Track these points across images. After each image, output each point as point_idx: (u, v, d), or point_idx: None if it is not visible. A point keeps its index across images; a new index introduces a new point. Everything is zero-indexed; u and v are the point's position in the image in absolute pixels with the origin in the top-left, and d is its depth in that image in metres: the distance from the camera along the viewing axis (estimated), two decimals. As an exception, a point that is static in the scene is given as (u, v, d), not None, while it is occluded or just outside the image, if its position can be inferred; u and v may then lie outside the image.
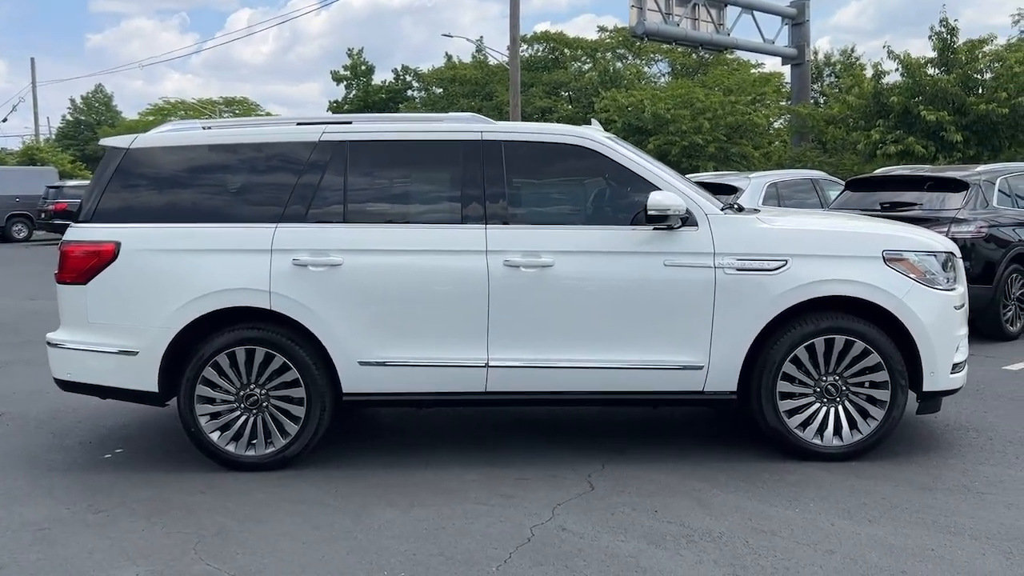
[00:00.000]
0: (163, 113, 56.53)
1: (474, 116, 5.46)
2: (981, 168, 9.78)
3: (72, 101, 73.03)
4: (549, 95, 41.69)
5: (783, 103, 31.39)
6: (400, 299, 5.05)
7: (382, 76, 58.89)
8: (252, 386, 5.11)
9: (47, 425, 6.19)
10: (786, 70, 30.63)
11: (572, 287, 5.03)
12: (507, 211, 5.12)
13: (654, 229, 5.03)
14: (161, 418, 6.20)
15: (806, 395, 5.10)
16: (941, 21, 19.80)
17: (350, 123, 5.36)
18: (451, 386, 5.12)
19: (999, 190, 9.35)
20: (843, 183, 11.84)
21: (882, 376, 5.04)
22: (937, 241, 5.30)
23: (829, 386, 5.09)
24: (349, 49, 54.90)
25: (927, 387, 5.08)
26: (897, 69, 20.33)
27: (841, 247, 5.13)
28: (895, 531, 4.09)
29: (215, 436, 5.10)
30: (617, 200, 5.29)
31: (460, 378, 5.09)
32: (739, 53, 35.24)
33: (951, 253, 5.25)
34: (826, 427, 5.10)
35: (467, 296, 5.04)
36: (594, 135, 5.29)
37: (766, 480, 4.79)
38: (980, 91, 18.99)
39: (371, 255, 5.06)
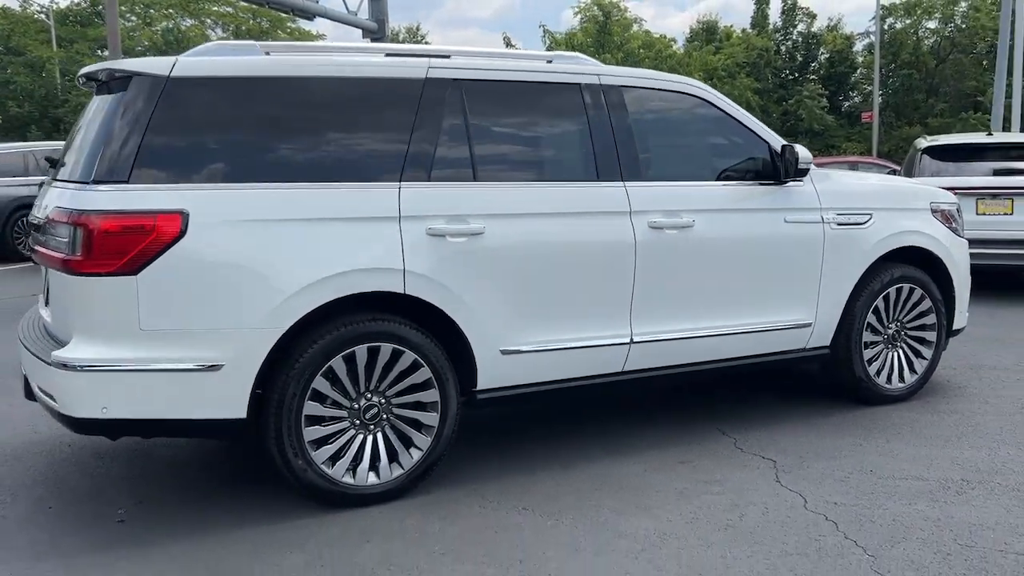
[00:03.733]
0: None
1: (580, 57, 4.70)
2: None
3: None
4: (95, 52, 36.54)
5: None
6: (545, 271, 4.20)
7: None
8: (370, 395, 3.91)
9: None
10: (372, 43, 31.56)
11: (710, 249, 4.62)
12: (639, 166, 4.51)
13: (775, 184, 4.83)
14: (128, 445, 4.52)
15: (878, 343, 5.32)
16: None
17: (449, 57, 4.28)
18: (592, 369, 4.43)
19: None
20: None
21: (931, 319, 5.45)
22: (950, 194, 5.82)
23: (894, 332, 5.37)
24: None
25: (956, 325, 5.61)
26: None
27: (905, 201, 5.41)
28: None
29: (328, 468, 3.82)
30: (733, 153, 4.90)
31: (600, 359, 4.42)
32: (322, 22, 34.91)
33: (959, 205, 5.81)
34: (892, 372, 5.37)
35: (614, 264, 4.36)
36: (703, 84, 4.88)
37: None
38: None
39: (513, 220, 4.12)
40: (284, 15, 33.76)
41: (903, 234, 5.23)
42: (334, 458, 3.84)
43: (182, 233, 3.48)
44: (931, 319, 5.44)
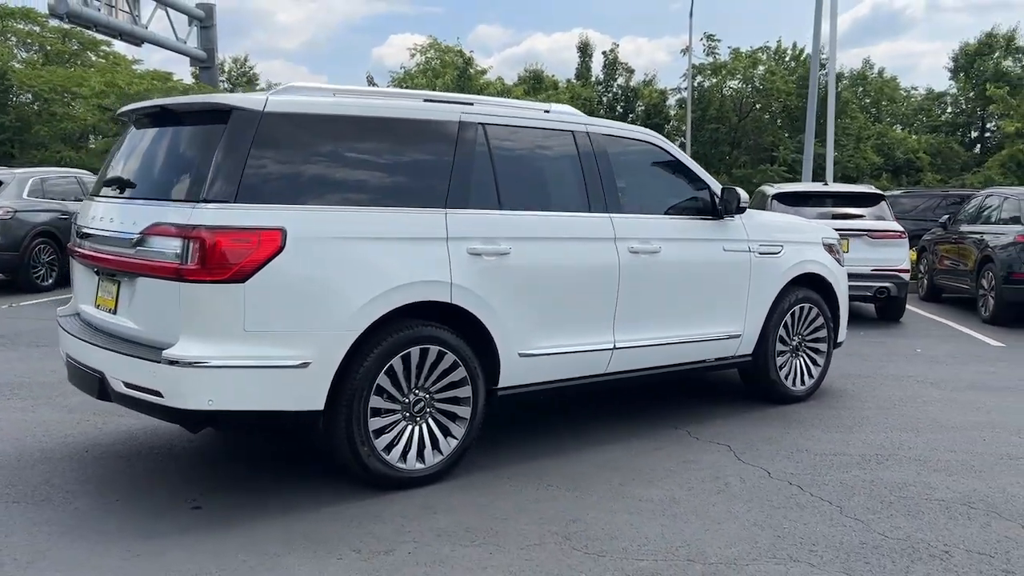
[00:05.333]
0: None
1: (569, 109, 5.53)
2: None
3: None
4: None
5: None
6: (555, 287, 4.98)
7: None
8: (417, 390, 4.52)
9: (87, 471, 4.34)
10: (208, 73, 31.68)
11: (671, 271, 5.55)
12: (619, 200, 5.39)
13: (714, 219, 5.86)
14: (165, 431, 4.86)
15: (786, 352, 6.44)
16: None
17: (472, 104, 4.99)
18: (582, 371, 5.22)
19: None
20: None
21: (823, 333, 6.65)
22: (833, 231, 7.09)
23: (798, 344, 6.52)
24: None
25: (840, 339, 6.85)
26: None
27: (805, 235, 6.60)
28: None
29: (386, 454, 4.39)
30: (682, 192, 5.88)
31: (590, 362, 5.23)
32: (149, 48, 34.02)
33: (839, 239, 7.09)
34: (796, 376, 6.51)
35: (603, 281, 5.20)
36: (659, 135, 5.85)
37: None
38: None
39: (531, 243, 4.88)
40: (99, 38, 32.59)
41: (805, 262, 6.41)
42: (390, 446, 4.41)
43: (281, 247, 3.99)
44: (823, 333, 6.64)
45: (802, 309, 6.45)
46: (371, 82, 40.02)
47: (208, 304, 3.91)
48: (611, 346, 5.26)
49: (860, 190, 12.03)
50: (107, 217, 4.47)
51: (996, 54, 41.74)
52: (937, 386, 7.23)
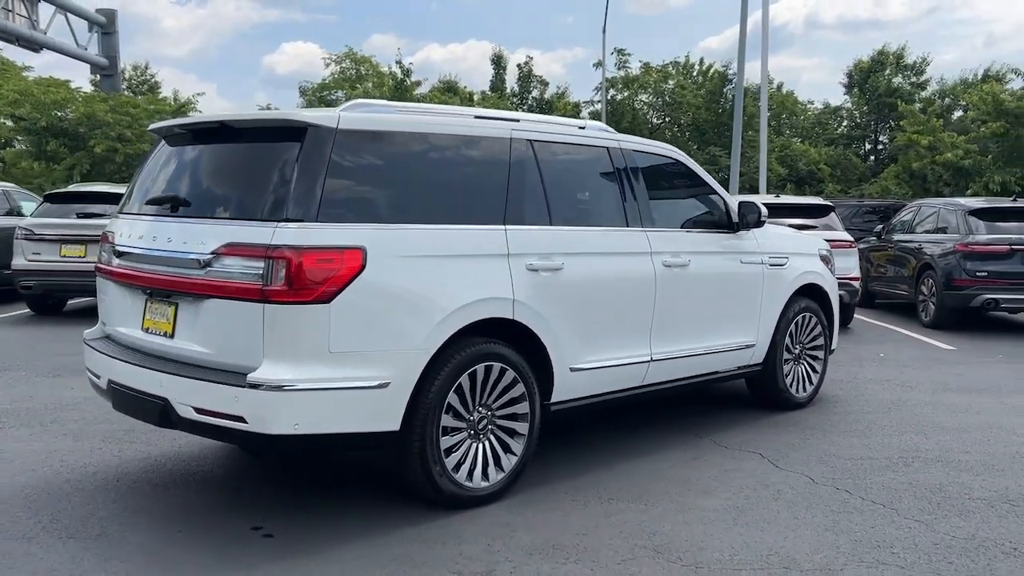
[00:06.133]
0: None
1: (601, 125, 5.59)
2: None
3: None
4: None
5: None
6: (601, 302, 5.03)
7: None
8: (481, 408, 4.49)
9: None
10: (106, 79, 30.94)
11: (699, 283, 5.67)
12: (651, 216, 5.48)
13: (730, 232, 6.01)
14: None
15: (790, 360, 6.65)
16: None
17: (518, 120, 5.00)
18: (623, 384, 5.28)
19: None
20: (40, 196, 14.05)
21: (821, 340, 6.90)
22: (825, 243, 7.35)
23: (800, 352, 6.74)
24: None
25: (832, 346, 7.11)
26: None
27: (806, 247, 6.83)
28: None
29: (455, 473, 4.34)
30: (702, 207, 6.02)
31: (631, 375, 5.29)
32: (48, 55, 32.71)
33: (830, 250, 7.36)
34: (800, 383, 6.73)
35: (643, 295, 5.28)
36: (680, 151, 5.97)
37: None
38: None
39: (581, 258, 4.91)
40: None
41: (806, 273, 6.64)
42: (458, 465, 4.37)
43: (363, 266, 3.92)
44: (821, 341, 6.89)
45: (804, 318, 6.67)
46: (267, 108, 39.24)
47: (294, 326, 3.80)
48: (648, 358, 5.34)
49: (812, 202, 12.52)
50: (157, 236, 4.29)
51: (887, 71, 43.96)
52: (916, 389, 7.58)
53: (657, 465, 5.22)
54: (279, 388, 3.74)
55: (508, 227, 4.59)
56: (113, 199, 11.78)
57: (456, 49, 67.15)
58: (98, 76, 33.29)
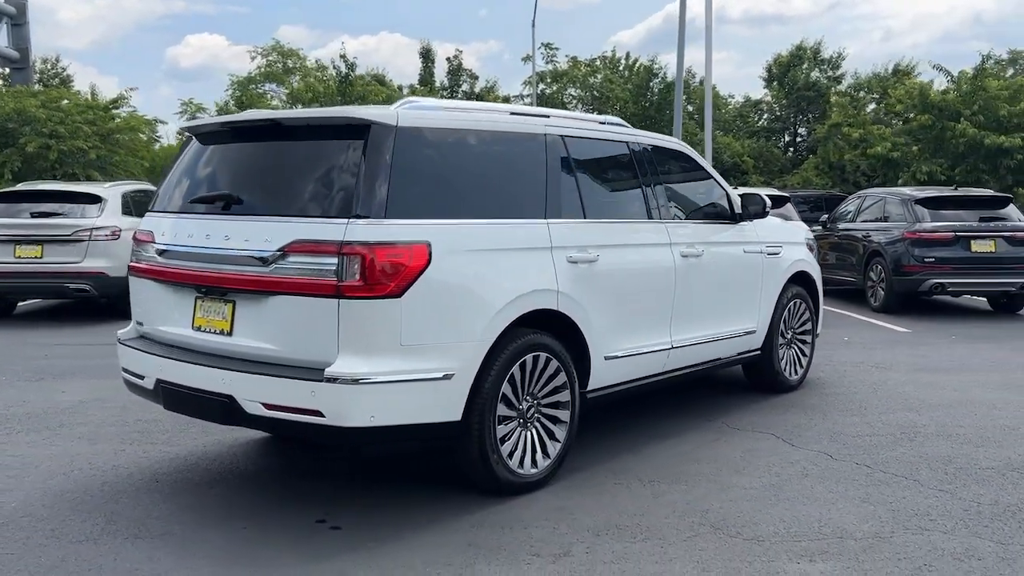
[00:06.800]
0: None
1: (619, 120, 5.74)
2: None
3: None
4: None
5: None
6: (631, 292, 5.20)
7: None
8: (529, 396, 4.62)
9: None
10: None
11: (710, 272, 5.90)
12: (668, 207, 5.67)
13: (732, 223, 6.26)
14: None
15: (783, 345, 6.95)
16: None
17: (548, 116, 5.12)
18: (647, 371, 5.46)
19: None
20: None
21: (808, 326, 7.22)
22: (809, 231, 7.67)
23: (791, 336, 7.04)
24: None
25: (818, 330, 7.45)
26: None
27: (795, 236, 7.13)
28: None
29: (510, 460, 4.46)
30: (707, 198, 6.24)
31: (654, 362, 5.48)
32: None
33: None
34: (791, 365, 7.04)
35: (665, 284, 5.47)
36: (686, 145, 6.17)
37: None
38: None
39: (613, 250, 5.07)
40: None
41: (798, 261, 6.94)
42: (511, 453, 4.49)
43: (429, 261, 4.00)
44: (808, 326, 7.21)
45: (795, 304, 6.97)
46: (226, 110, 38.45)
47: (368, 320, 3.86)
48: (669, 345, 5.53)
49: (773, 193, 12.96)
50: (211, 234, 4.28)
51: (805, 65, 45.40)
52: (891, 370, 7.98)
53: (680, 447, 5.42)
54: (356, 381, 3.80)
55: (550, 221, 4.72)
56: (67, 198, 11.47)
57: (368, 41, 66.26)
58: (8, 70, 31.98)
